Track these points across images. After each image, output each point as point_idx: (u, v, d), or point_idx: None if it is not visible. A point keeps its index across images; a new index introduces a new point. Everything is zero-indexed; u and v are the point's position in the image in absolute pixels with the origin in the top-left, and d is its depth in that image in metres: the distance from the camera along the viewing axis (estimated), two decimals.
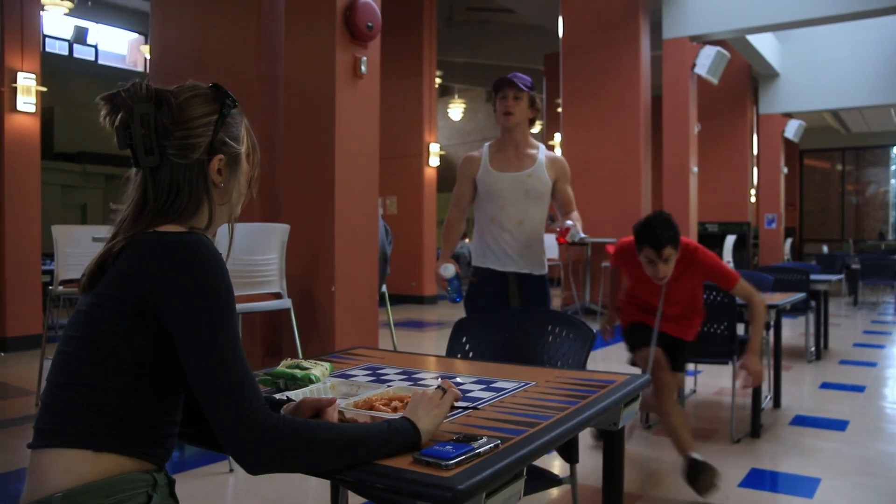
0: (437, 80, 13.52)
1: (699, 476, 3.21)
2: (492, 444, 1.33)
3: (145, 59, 19.52)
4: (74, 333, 1.33)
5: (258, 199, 5.42)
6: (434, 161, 12.07)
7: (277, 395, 1.61)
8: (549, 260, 12.13)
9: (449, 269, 3.46)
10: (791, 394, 5.31)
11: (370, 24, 4.79)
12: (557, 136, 14.27)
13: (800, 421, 4.62)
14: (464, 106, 21.72)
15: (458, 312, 10.33)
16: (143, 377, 1.31)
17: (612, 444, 1.95)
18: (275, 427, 1.22)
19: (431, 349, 7.09)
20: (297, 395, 1.62)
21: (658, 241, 3.32)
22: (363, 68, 4.87)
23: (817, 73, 13.59)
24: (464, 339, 2.69)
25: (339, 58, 4.77)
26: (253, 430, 1.22)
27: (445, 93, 20.91)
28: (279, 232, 4.49)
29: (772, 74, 13.96)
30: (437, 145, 12.26)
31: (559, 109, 13.19)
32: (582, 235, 3.39)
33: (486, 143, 3.74)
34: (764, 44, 12.40)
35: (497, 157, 3.61)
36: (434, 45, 12.18)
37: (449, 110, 20.73)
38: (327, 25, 4.77)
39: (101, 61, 15.57)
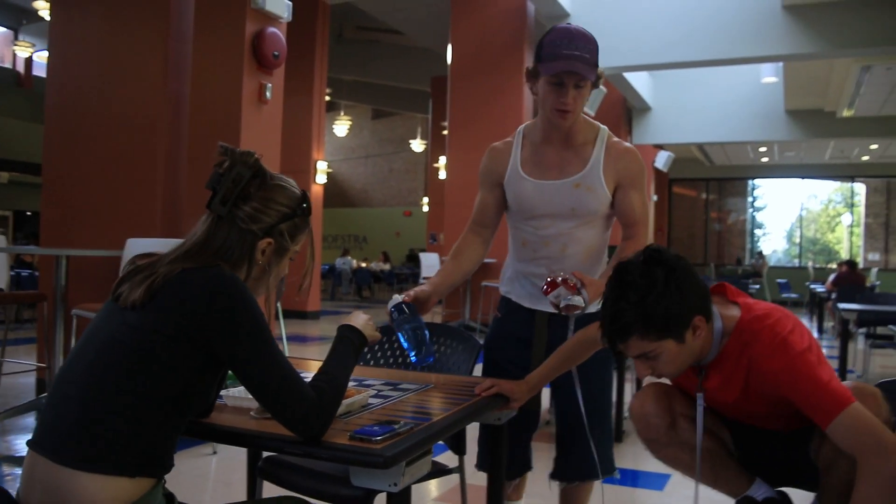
0: (326, 98, 13.76)
1: None
2: (408, 427, 1.66)
3: (14, 54, 18.87)
4: (118, 360, 1.47)
5: (160, 217, 5.53)
6: (321, 178, 12.26)
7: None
8: (426, 278, 12.21)
9: (395, 299, 2.18)
10: None
11: (276, 53, 5.06)
12: (442, 159, 14.73)
13: None
14: (350, 123, 21.98)
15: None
16: (179, 405, 1.51)
17: (496, 437, 2.30)
18: (323, 404, 1.57)
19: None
20: (237, 391, 1.90)
21: (611, 333, 1.83)
22: (268, 94, 5.13)
23: (685, 109, 14.59)
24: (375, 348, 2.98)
25: (245, 84, 5.02)
26: (317, 417, 1.55)
27: (331, 108, 21.12)
28: None
29: (644, 108, 14.87)
30: (325, 163, 12.47)
31: (445, 132, 13.64)
32: (574, 300, 2.08)
33: (521, 127, 2.57)
34: (638, 80, 13.24)
35: (534, 156, 2.48)
36: (325, 63, 12.39)
37: (334, 127, 20.92)
38: (235, 52, 5.01)
39: None
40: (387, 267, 20.06)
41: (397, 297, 2.20)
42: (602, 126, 2.50)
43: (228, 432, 1.67)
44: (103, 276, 5.03)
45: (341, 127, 20.94)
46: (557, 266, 2.40)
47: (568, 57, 2.26)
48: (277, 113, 5.33)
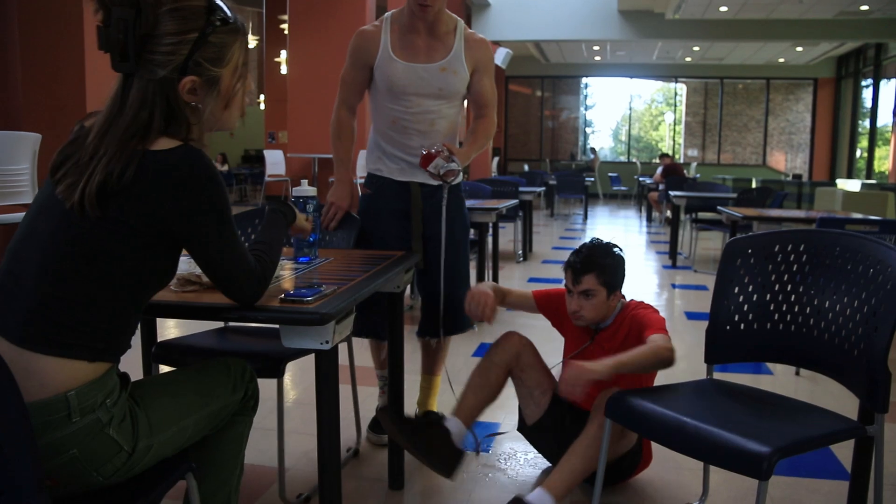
0: None
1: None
2: (332, 289, 1.78)
3: None
4: (78, 250, 1.40)
5: None
6: None
7: None
8: (272, 176, 12.02)
9: (306, 190, 2.29)
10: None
11: None
12: (283, 53, 14.34)
13: None
14: None
15: None
16: (138, 293, 1.49)
17: (394, 305, 2.45)
18: (264, 273, 1.65)
19: None
20: None
21: (580, 263, 2.43)
22: None
23: (524, 5, 14.83)
24: (248, 230, 3.02)
25: None
26: (259, 285, 1.62)
27: None
28: (29, 141, 4.42)
29: (483, 4, 14.99)
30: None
31: (283, 26, 13.25)
32: (451, 167, 2.51)
33: (388, 14, 2.79)
34: None
35: (402, 40, 2.72)
36: None
37: None
38: None
39: None
40: (225, 168, 19.50)
41: (308, 189, 2.29)
42: (459, 19, 2.80)
43: (164, 306, 1.71)
44: None
45: None
46: (427, 139, 2.72)
47: None
48: None
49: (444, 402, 3.09)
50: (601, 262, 2.43)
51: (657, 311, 2.46)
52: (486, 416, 2.87)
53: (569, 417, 2.47)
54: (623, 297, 2.55)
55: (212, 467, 1.74)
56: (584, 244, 2.51)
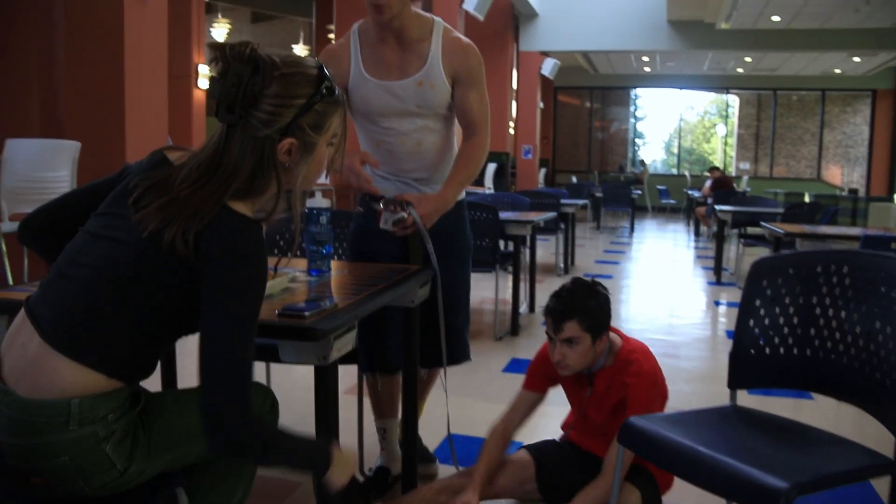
0: None
1: None
2: (333, 303, 1.73)
3: None
4: (138, 278, 1.42)
5: (38, 115, 5.25)
6: (203, 83, 11.85)
7: None
8: None
9: (322, 201, 2.34)
10: (544, 301, 6.09)
11: None
12: None
13: None
14: (229, 26, 21.13)
15: None
16: (178, 330, 1.51)
17: (409, 319, 2.38)
18: (254, 427, 1.43)
19: None
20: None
21: (560, 310, 2.21)
22: None
23: (572, 16, 14.71)
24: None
25: None
26: (240, 416, 1.37)
27: (208, 11, 20.17)
28: (69, 149, 4.48)
29: (532, 15, 14.91)
30: (207, 67, 12.02)
31: (330, 36, 13.32)
32: (399, 216, 2.31)
33: (356, 25, 2.53)
34: None
35: (373, 56, 2.46)
36: None
37: (212, 30, 20.06)
38: None
39: None
40: None
41: (321, 201, 2.26)
42: (436, 19, 2.48)
43: None
44: None
45: (220, 30, 20.09)
46: (417, 159, 2.49)
47: None
48: (162, 11, 5.08)
49: (440, 404, 3.02)
50: (583, 306, 2.20)
51: (653, 374, 2.26)
52: (476, 431, 2.81)
53: (578, 464, 2.28)
54: (615, 332, 2.34)
55: (207, 488, 1.68)
56: (564, 286, 2.28)
